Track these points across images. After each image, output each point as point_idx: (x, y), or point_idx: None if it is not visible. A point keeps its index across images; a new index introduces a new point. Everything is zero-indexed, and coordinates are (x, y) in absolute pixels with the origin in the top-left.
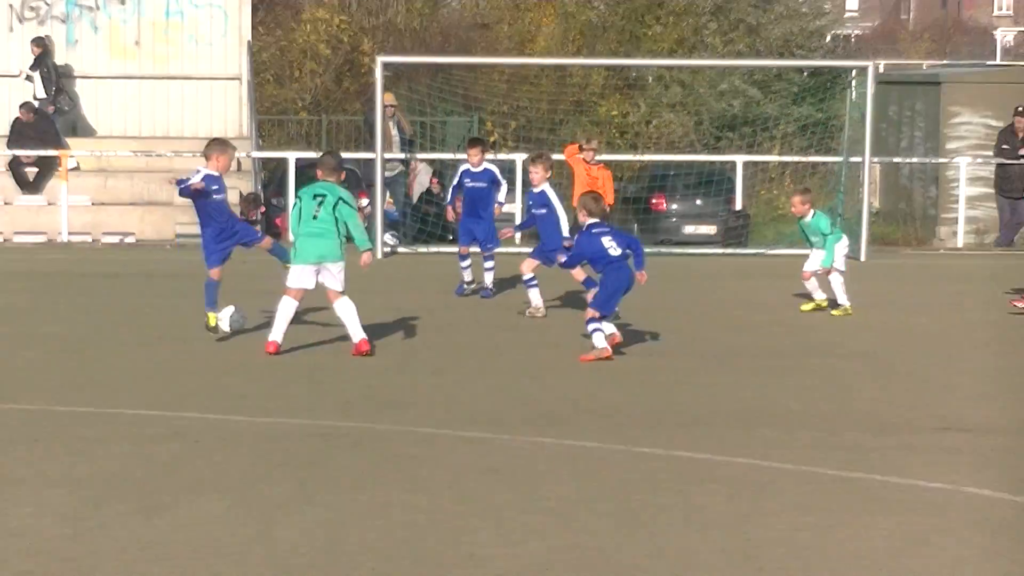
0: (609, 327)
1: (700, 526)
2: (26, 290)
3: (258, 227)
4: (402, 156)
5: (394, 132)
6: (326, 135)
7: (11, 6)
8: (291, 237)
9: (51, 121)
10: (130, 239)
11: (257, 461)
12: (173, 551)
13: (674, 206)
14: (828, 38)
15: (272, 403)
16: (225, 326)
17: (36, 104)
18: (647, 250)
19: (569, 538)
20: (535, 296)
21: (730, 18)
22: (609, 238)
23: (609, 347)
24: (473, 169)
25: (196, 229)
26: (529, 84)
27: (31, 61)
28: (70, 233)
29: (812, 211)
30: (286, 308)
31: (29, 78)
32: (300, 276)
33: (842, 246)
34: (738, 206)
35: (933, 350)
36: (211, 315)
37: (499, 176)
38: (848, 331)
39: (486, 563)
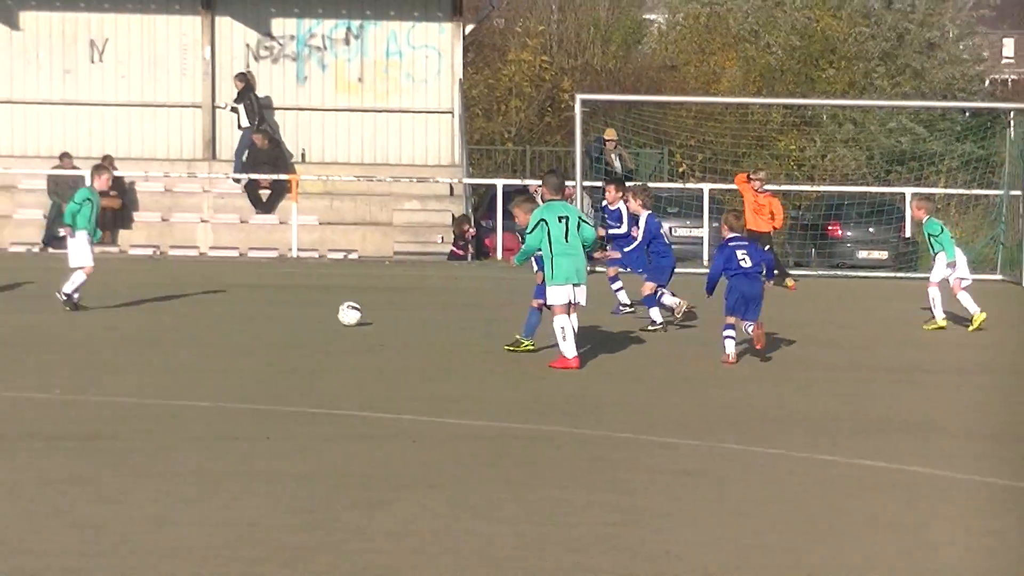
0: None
1: (880, 529)
2: (259, 300)
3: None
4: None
5: (617, 164)
6: (529, 164)
7: (248, 45)
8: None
9: (282, 147)
10: (353, 255)
11: (470, 460)
12: (391, 543)
13: (848, 233)
14: (987, 82)
15: (483, 407)
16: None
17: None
18: (824, 272)
19: (757, 539)
20: (659, 310)
21: (897, 63)
22: (744, 251)
23: (732, 355)
24: (610, 207)
25: (409, 247)
26: (714, 121)
27: (235, 94)
28: (299, 249)
29: (927, 217)
30: (565, 322)
31: (234, 109)
32: (561, 294)
33: (943, 264)
34: (907, 234)
35: None
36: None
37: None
38: (1014, 350)
39: (681, 560)
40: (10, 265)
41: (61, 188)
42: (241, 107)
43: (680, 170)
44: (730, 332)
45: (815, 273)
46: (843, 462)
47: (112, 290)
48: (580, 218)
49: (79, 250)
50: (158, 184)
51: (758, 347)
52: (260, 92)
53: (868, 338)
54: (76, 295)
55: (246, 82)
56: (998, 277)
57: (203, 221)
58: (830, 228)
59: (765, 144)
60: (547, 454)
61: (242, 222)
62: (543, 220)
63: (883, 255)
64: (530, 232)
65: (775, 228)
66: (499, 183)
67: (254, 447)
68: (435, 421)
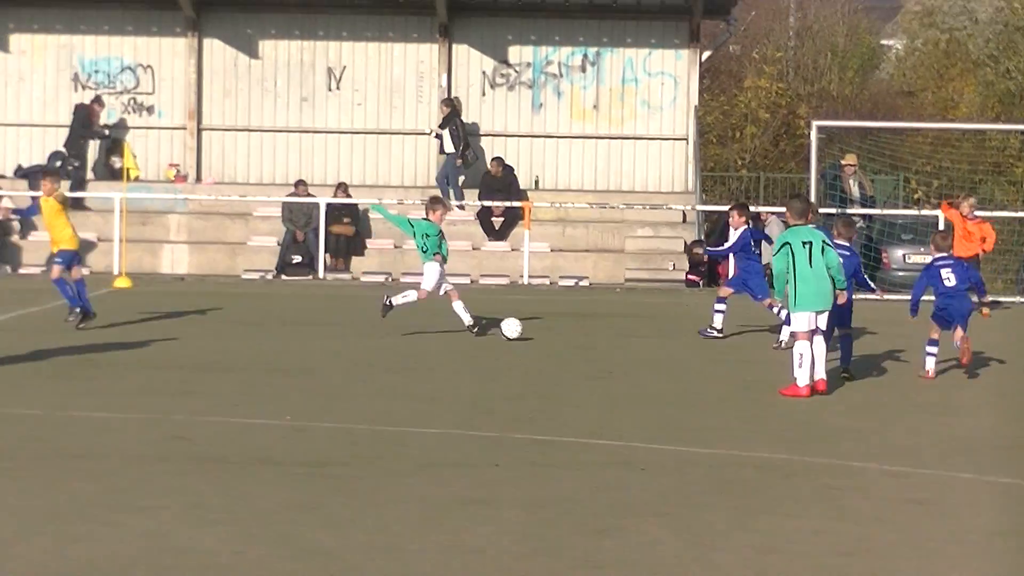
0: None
1: None
2: (486, 327)
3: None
4: (864, 212)
5: (856, 191)
6: (763, 190)
7: (484, 73)
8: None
9: (515, 174)
10: (584, 282)
11: (697, 488)
12: (620, 571)
13: None
14: None
15: (712, 435)
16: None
17: (504, 160)
18: None
19: (990, 570)
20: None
21: None
22: (948, 270)
23: (931, 371)
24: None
25: (641, 274)
26: (951, 147)
27: (440, 120)
28: (530, 276)
29: None
30: (805, 349)
31: (439, 135)
32: (803, 320)
33: None
34: None
35: None
36: None
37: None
38: None
39: None
40: (246, 291)
41: (296, 216)
42: (446, 132)
43: (916, 196)
44: (932, 348)
45: None
46: None
47: (345, 317)
48: (824, 242)
49: (428, 274)
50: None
51: (963, 362)
52: (493, 120)
53: None
54: (393, 303)
55: (452, 108)
56: None
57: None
58: None
59: (1003, 170)
60: (775, 482)
61: (474, 249)
62: (787, 244)
63: None
64: (775, 255)
65: (984, 251)
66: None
67: (481, 474)
68: (663, 449)
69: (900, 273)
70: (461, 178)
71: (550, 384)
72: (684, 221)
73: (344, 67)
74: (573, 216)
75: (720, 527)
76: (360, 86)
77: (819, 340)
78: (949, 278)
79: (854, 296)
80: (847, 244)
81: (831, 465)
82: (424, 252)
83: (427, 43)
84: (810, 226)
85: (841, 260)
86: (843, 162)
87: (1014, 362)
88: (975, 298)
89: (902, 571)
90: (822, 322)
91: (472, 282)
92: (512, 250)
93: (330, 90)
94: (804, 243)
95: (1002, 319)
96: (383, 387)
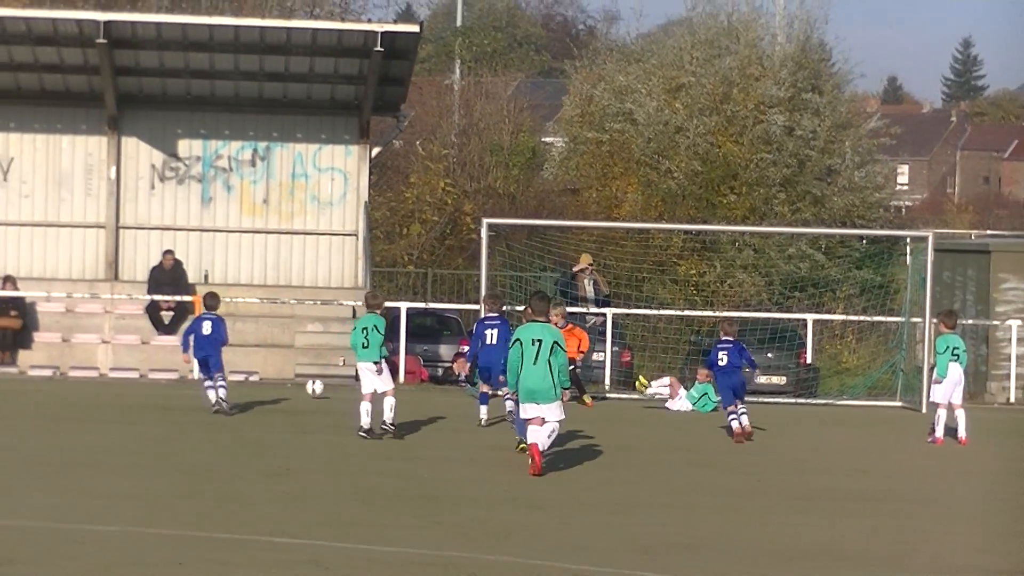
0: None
1: None
2: (161, 422)
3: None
4: (596, 311)
5: (589, 290)
6: (431, 286)
7: (153, 166)
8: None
9: (183, 268)
10: (254, 377)
11: None
12: None
13: None
14: (887, 209)
15: (393, 532)
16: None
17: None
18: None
19: None
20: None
21: (797, 189)
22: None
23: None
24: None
25: (312, 369)
26: (615, 244)
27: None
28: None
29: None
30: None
31: None
32: (534, 411)
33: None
34: (808, 359)
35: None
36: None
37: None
38: (910, 476)
39: None
40: None
41: None
42: None
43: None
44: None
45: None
46: None
47: (13, 410)
48: (556, 343)
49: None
50: (60, 304)
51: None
52: (162, 213)
53: (770, 465)
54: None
55: None
56: (897, 404)
57: (104, 342)
58: None
59: (665, 268)
60: None
61: (143, 343)
62: (518, 340)
63: (782, 380)
64: (510, 348)
65: (582, 352)
66: (403, 305)
67: (166, 574)
68: (346, 547)
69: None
70: None
71: (227, 481)
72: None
73: (12, 158)
74: (243, 310)
75: None
76: (28, 178)
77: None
78: (722, 359)
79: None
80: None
81: (513, 564)
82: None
83: (96, 135)
84: (539, 321)
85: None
86: (578, 265)
87: (702, 460)
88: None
89: None
90: (547, 413)
91: (141, 376)
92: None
93: None
94: (534, 341)
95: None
96: (57, 484)
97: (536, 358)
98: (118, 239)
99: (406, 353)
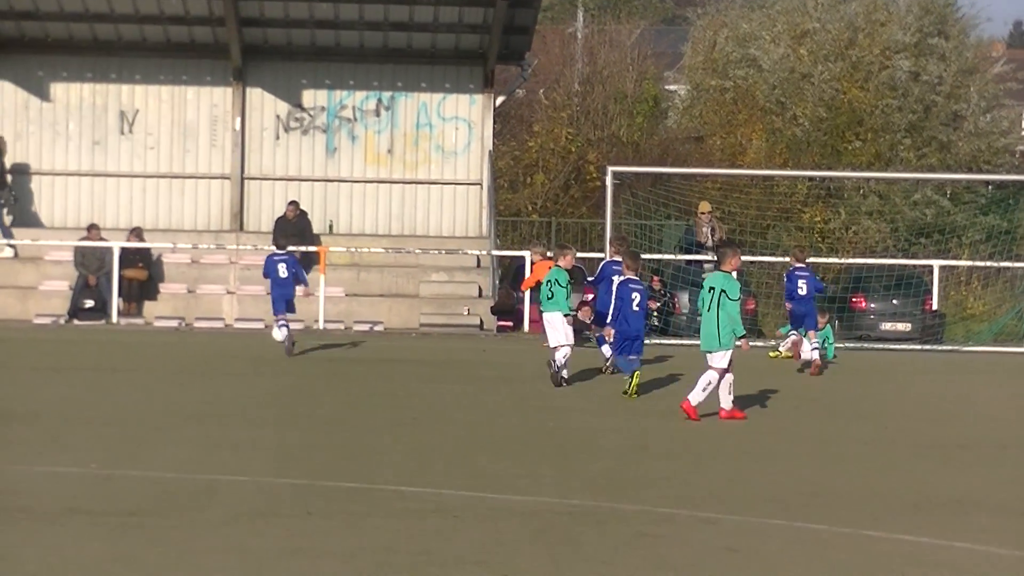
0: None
1: None
2: (287, 373)
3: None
4: (710, 258)
5: (709, 237)
6: (555, 235)
7: (278, 116)
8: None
9: (308, 219)
10: (379, 327)
11: (512, 537)
12: None
13: (872, 305)
14: (1015, 155)
15: (522, 481)
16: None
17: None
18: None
19: None
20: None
21: (923, 135)
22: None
23: None
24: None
25: (438, 319)
26: (740, 192)
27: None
28: (325, 321)
29: None
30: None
31: None
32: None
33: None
34: (933, 306)
35: None
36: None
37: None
38: None
39: None
40: (37, 336)
41: (88, 260)
42: None
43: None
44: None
45: (839, 345)
46: (888, 538)
47: (141, 362)
48: (724, 291)
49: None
50: (185, 255)
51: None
52: (287, 164)
53: (898, 412)
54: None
55: None
56: (1023, 350)
57: (229, 292)
58: (854, 300)
59: (790, 216)
60: (589, 530)
61: (268, 294)
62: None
63: (907, 327)
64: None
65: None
66: (527, 254)
67: (296, 523)
68: (475, 496)
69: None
70: (9, 218)
71: (355, 432)
72: (479, 266)
73: (137, 110)
74: (368, 261)
75: None
76: (153, 129)
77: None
78: (802, 287)
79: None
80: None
81: (643, 512)
82: (548, 300)
83: (221, 87)
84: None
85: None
86: (699, 210)
87: (831, 408)
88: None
89: None
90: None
91: (267, 327)
92: (307, 295)
93: (123, 133)
94: (710, 288)
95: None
96: (186, 436)
97: (709, 306)
98: (243, 190)
99: (530, 302)
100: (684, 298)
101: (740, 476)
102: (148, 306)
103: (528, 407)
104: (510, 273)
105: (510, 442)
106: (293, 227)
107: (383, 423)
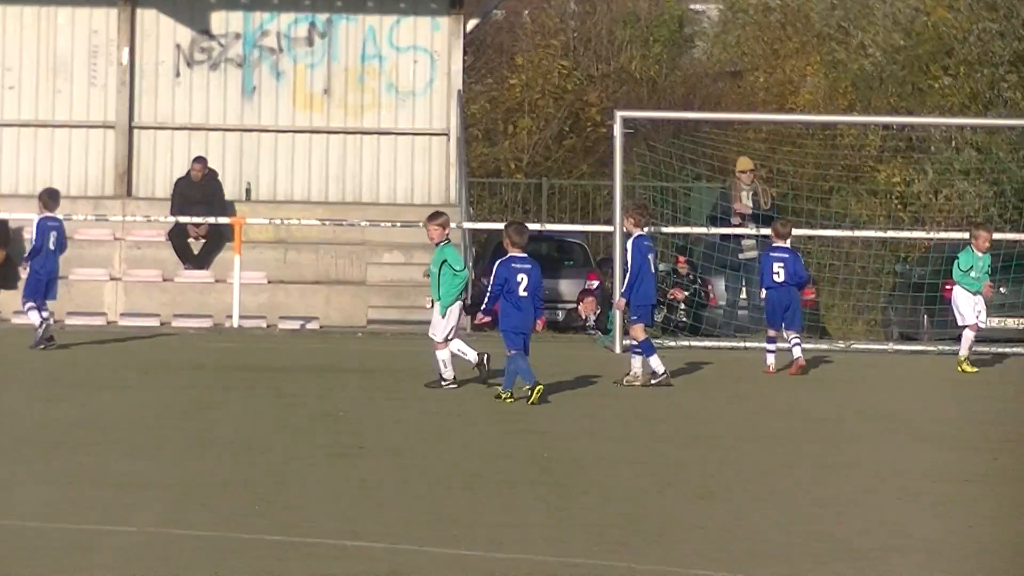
0: None
1: None
2: (193, 386)
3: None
4: (751, 232)
5: (747, 203)
6: (546, 202)
7: (179, 46)
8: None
9: (219, 180)
10: (313, 325)
11: None
12: None
13: None
14: None
15: (507, 532)
16: None
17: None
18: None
19: None
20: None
21: None
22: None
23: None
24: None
25: (391, 313)
26: (791, 144)
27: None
28: (241, 316)
29: None
30: None
31: None
32: None
33: None
34: None
35: None
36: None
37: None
38: None
39: None
40: None
41: None
42: None
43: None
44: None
45: (929, 348)
46: None
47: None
48: None
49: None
50: None
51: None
52: (190, 109)
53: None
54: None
55: None
56: None
57: (113, 279)
58: (948, 288)
59: (859, 176)
60: None
61: (165, 280)
62: None
63: (1021, 324)
64: None
65: None
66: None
67: None
68: (442, 553)
69: (734, 311)
70: None
71: (280, 464)
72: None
73: None
74: (298, 236)
75: None
76: (13, 64)
77: None
78: (779, 272)
79: None
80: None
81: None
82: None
83: (103, 7)
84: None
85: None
86: (738, 169)
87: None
88: None
89: None
90: None
91: (163, 324)
92: (216, 281)
93: None
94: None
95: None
96: (53, 470)
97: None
98: (132, 143)
99: None
100: (720, 285)
101: (795, 525)
102: (3, 297)
103: (514, 431)
104: (487, 253)
105: (490, 479)
106: (199, 191)
107: (318, 452)
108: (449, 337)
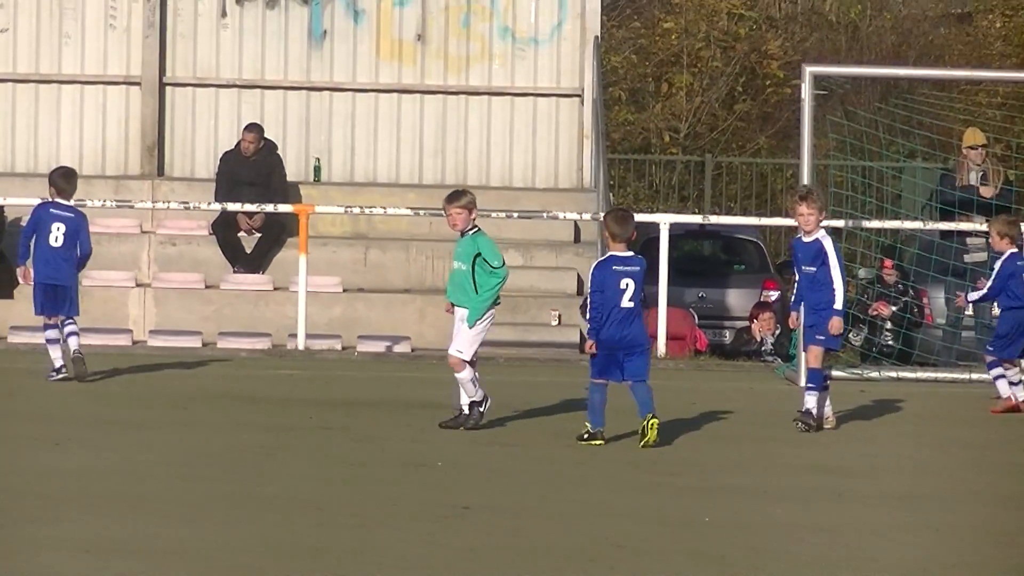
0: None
1: None
2: (244, 425)
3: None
4: (977, 228)
5: (976, 185)
6: (709, 186)
7: None
8: None
9: (279, 155)
10: (403, 346)
11: None
12: None
13: None
14: None
15: None
16: None
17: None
18: None
19: None
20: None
21: None
22: None
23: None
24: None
25: (502, 333)
26: None
27: None
28: (308, 336)
29: None
30: None
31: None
32: None
33: None
34: None
35: None
36: None
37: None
38: None
39: None
40: None
41: None
42: None
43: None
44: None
45: None
46: None
47: None
48: None
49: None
50: None
51: None
52: (240, 61)
53: None
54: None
55: None
56: None
57: (140, 285)
58: None
59: None
60: None
61: (208, 287)
62: None
63: None
64: None
65: None
66: (663, 219)
67: None
68: None
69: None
70: None
71: (357, 526)
72: (577, 240)
73: None
74: (382, 230)
75: None
76: (7, 7)
77: None
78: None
79: None
80: None
81: None
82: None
83: None
84: None
85: None
86: (965, 143)
87: None
88: None
89: None
90: None
91: (205, 345)
92: (275, 289)
93: None
94: None
95: None
96: (64, 532)
97: None
98: (163, 105)
99: (668, 304)
100: (938, 298)
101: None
102: (1, 307)
103: (654, 484)
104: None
105: (635, 548)
106: (252, 170)
107: (408, 514)
108: (474, 359)
